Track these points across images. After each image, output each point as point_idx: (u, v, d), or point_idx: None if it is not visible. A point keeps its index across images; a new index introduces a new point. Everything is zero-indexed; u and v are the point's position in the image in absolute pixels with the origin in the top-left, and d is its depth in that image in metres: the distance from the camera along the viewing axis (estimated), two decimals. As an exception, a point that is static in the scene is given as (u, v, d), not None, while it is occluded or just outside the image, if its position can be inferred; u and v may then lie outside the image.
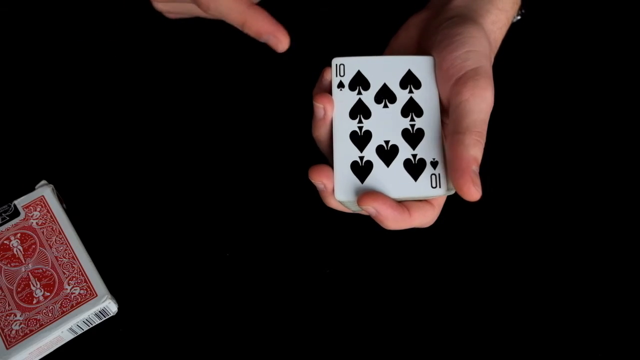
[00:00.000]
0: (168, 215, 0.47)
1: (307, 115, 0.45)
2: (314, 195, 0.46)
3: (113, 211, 0.47)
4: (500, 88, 0.46)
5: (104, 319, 0.43)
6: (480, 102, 0.38)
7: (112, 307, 0.43)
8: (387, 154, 0.38)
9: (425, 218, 0.39)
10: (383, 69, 0.40)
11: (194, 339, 0.43)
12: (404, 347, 0.43)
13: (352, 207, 0.39)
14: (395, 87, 0.39)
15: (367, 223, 0.47)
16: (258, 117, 0.51)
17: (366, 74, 0.40)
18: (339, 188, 0.38)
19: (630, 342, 0.43)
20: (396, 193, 0.37)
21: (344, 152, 0.38)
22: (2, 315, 0.41)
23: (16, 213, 0.44)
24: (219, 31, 0.53)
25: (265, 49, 0.51)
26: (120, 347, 0.43)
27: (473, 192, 0.36)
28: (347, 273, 0.45)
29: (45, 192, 0.45)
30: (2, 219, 0.44)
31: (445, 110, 0.39)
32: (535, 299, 0.44)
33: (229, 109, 0.51)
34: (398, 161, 0.38)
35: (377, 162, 0.38)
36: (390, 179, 0.38)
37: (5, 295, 0.41)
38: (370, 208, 0.37)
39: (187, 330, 0.43)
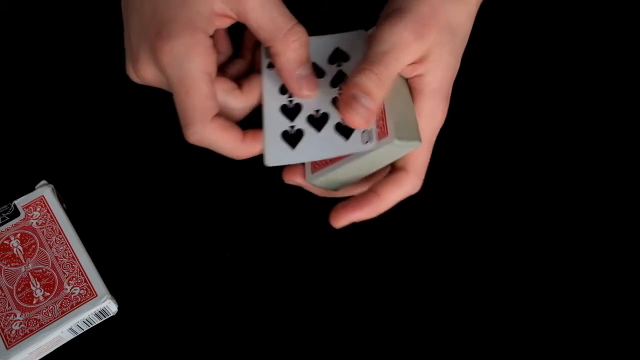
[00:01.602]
0: (168, 216, 0.47)
1: None
2: (314, 195, 0.46)
3: (113, 211, 0.47)
4: (500, 88, 0.46)
5: (104, 319, 0.43)
6: (384, 33, 0.36)
7: (112, 307, 0.43)
8: (318, 121, 0.38)
9: (402, 189, 0.38)
10: (314, 50, 0.39)
11: (194, 339, 0.43)
12: (403, 346, 0.43)
13: (330, 187, 0.39)
14: (324, 64, 0.39)
15: (366, 224, 0.47)
16: (257, 117, 0.51)
17: None
18: (269, 155, 0.38)
19: (631, 342, 0.43)
20: (328, 154, 0.37)
21: (274, 124, 0.38)
22: (2, 315, 0.41)
23: (16, 213, 0.44)
24: None
25: None
26: (120, 347, 0.43)
27: (349, 117, 0.35)
28: (347, 273, 0.45)
29: (45, 192, 0.45)
30: (2, 219, 0.44)
31: None
32: (535, 298, 0.44)
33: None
34: (329, 126, 0.38)
35: (308, 130, 0.38)
36: (323, 142, 0.37)
37: (5, 295, 0.41)
38: (347, 223, 0.37)
39: (187, 330, 0.43)
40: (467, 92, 0.50)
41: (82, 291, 0.42)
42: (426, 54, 0.37)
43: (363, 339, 0.43)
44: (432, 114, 0.38)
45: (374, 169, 0.38)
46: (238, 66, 0.41)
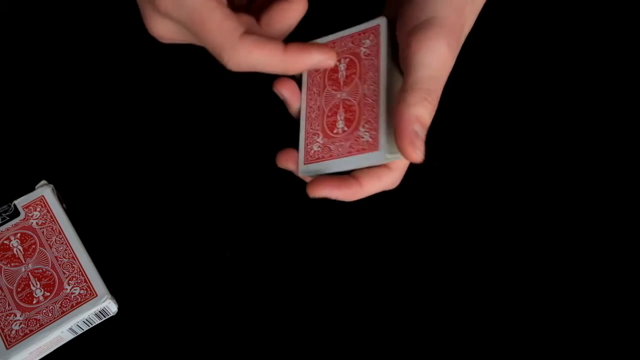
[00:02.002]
0: (168, 215, 0.47)
1: None
2: (312, 198, 0.46)
3: (113, 211, 0.47)
4: (500, 87, 0.46)
5: (104, 319, 0.43)
6: (428, 55, 0.34)
7: (112, 307, 0.43)
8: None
9: (381, 182, 0.37)
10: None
11: (194, 339, 0.43)
12: (403, 346, 0.43)
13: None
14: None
15: (367, 223, 0.47)
16: (257, 117, 0.51)
17: None
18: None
19: (631, 342, 0.43)
20: (340, 165, 0.38)
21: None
22: (2, 315, 0.41)
23: (16, 213, 0.44)
24: None
25: None
26: (120, 347, 0.43)
27: (412, 154, 0.34)
28: (348, 273, 0.45)
29: (45, 192, 0.45)
30: (2, 219, 0.44)
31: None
32: (535, 298, 0.44)
33: (229, 109, 0.51)
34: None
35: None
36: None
37: (5, 295, 0.41)
38: (319, 196, 0.37)
39: (187, 330, 0.43)
40: (465, 91, 0.50)
41: (82, 291, 0.42)
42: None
43: (363, 339, 0.43)
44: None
45: (362, 167, 0.38)
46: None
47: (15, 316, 0.41)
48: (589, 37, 0.53)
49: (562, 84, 0.51)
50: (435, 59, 0.34)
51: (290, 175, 0.48)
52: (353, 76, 0.39)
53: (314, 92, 0.40)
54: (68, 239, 0.43)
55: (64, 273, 0.42)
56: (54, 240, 0.43)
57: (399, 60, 0.37)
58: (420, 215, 0.47)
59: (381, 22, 0.38)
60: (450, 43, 0.35)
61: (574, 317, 0.44)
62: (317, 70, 0.40)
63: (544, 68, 0.52)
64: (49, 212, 0.44)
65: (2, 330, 0.41)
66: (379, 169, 0.38)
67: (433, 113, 0.35)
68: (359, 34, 0.40)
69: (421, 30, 0.35)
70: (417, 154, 0.34)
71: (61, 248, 0.43)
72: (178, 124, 0.51)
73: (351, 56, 0.39)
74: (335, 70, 0.40)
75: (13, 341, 0.40)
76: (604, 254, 0.46)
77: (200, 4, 0.33)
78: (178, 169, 0.49)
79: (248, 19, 0.36)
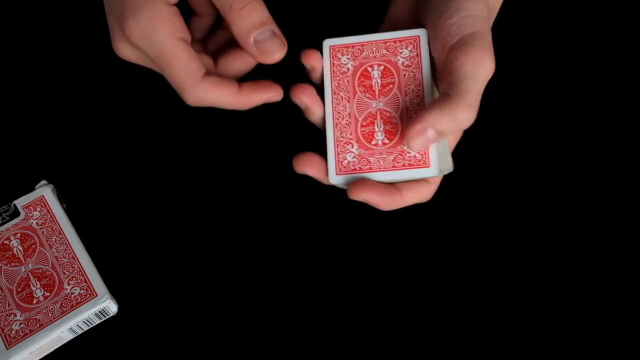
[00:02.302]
0: (168, 215, 0.47)
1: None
2: (314, 195, 0.46)
3: (113, 211, 0.47)
4: (501, 86, 0.45)
5: (104, 319, 0.43)
6: (475, 68, 0.35)
7: (112, 307, 0.43)
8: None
9: (419, 195, 0.38)
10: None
11: (194, 339, 0.43)
12: (403, 346, 0.43)
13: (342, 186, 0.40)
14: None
15: (367, 223, 0.47)
16: (257, 117, 0.51)
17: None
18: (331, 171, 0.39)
19: (631, 342, 0.43)
20: (382, 177, 0.38)
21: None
22: (2, 315, 0.41)
23: (16, 213, 0.44)
24: None
25: None
26: (120, 347, 0.43)
27: (411, 142, 0.36)
28: (347, 272, 0.45)
29: (45, 192, 0.45)
30: (2, 219, 0.44)
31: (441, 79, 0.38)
32: (536, 298, 0.44)
33: (229, 109, 0.51)
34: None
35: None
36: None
37: (5, 295, 0.41)
38: (360, 198, 0.37)
39: (187, 330, 0.43)
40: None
41: (82, 291, 0.42)
42: None
43: (363, 340, 0.43)
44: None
45: (399, 181, 0.39)
46: (223, 33, 0.41)
47: (15, 316, 0.41)
48: (590, 37, 0.53)
49: (562, 85, 0.51)
50: (482, 71, 0.36)
51: (290, 175, 0.48)
52: (391, 86, 0.39)
53: (342, 97, 0.39)
54: (68, 239, 0.43)
55: (64, 273, 0.42)
56: (54, 240, 0.43)
57: (437, 73, 0.38)
58: (421, 214, 0.47)
59: (421, 33, 0.39)
60: (491, 55, 0.36)
61: (580, 321, 0.44)
62: (342, 72, 0.40)
63: (545, 69, 0.52)
64: (49, 212, 0.44)
65: (2, 330, 0.41)
66: (419, 182, 0.38)
67: (460, 128, 0.36)
68: (395, 42, 0.39)
69: (467, 44, 0.36)
70: (413, 147, 0.36)
71: (61, 248, 0.43)
72: (178, 124, 0.51)
73: (386, 64, 0.39)
74: (367, 75, 0.39)
75: (13, 341, 0.40)
76: (607, 254, 0.46)
77: (169, 43, 0.36)
78: (178, 169, 0.49)
79: (207, 60, 0.39)
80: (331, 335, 0.43)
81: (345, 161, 0.38)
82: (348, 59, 0.40)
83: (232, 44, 0.39)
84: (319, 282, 0.45)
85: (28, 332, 0.40)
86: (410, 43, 0.39)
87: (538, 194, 0.47)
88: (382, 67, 0.39)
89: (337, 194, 0.45)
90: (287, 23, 0.39)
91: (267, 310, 0.44)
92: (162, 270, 0.45)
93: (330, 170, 0.38)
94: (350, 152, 0.38)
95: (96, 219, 0.46)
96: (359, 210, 0.46)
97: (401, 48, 0.39)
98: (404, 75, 0.39)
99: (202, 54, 0.39)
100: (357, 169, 0.38)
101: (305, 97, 0.38)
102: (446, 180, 0.47)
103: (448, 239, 0.46)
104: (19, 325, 0.41)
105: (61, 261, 0.43)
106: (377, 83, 0.39)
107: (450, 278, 0.45)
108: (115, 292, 0.43)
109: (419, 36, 0.39)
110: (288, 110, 0.51)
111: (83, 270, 0.42)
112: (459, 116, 0.35)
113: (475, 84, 0.35)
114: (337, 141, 0.39)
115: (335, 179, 0.38)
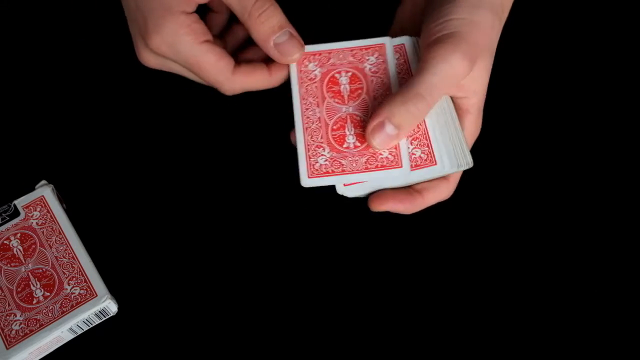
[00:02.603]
0: (168, 215, 0.47)
1: None
2: (313, 195, 0.46)
3: (113, 211, 0.47)
4: (502, 86, 0.46)
5: (104, 319, 0.43)
6: (439, 63, 0.36)
7: (112, 307, 0.43)
8: None
9: (440, 194, 0.40)
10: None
11: (194, 339, 0.43)
12: (404, 346, 0.43)
13: (360, 195, 0.41)
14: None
15: (367, 222, 0.46)
16: (258, 117, 0.51)
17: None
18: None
19: (631, 342, 0.43)
20: (355, 179, 0.38)
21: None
22: (2, 315, 0.41)
23: (16, 213, 0.44)
24: None
25: None
26: (120, 347, 0.43)
27: (370, 141, 0.37)
28: (347, 272, 0.45)
29: (45, 192, 0.45)
30: (2, 219, 0.44)
31: None
32: (536, 298, 0.44)
33: (229, 109, 0.51)
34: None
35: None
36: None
37: (5, 296, 0.41)
38: (382, 210, 0.38)
39: (187, 330, 0.43)
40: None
41: (82, 291, 0.42)
42: (469, 76, 0.37)
43: (364, 341, 0.43)
44: (476, 130, 0.40)
45: (420, 181, 0.40)
46: (238, 32, 0.43)
47: (15, 316, 0.41)
48: (590, 37, 0.53)
49: (563, 85, 0.51)
50: (446, 69, 0.36)
51: (288, 175, 0.48)
52: (360, 91, 0.40)
53: (311, 102, 0.40)
54: (68, 239, 0.43)
55: (64, 273, 0.42)
56: (54, 240, 0.43)
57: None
58: (421, 214, 0.47)
59: (386, 41, 0.40)
60: (469, 58, 0.36)
61: (581, 321, 0.44)
62: (310, 79, 0.40)
63: (546, 70, 0.52)
64: (49, 212, 0.44)
65: (2, 330, 0.41)
66: (439, 181, 0.40)
67: (414, 121, 0.36)
68: (361, 49, 0.40)
69: (438, 42, 0.36)
70: (375, 145, 0.37)
71: (61, 248, 0.43)
72: (178, 124, 0.51)
73: (353, 70, 0.40)
74: (334, 82, 0.40)
75: (13, 341, 0.40)
76: (609, 255, 0.46)
77: (195, 49, 0.38)
78: (178, 169, 0.49)
79: (230, 59, 0.40)
80: (331, 336, 0.43)
81: (317, 164, 0.39)
82: (315, 65, 0.40)
83: (250, 40, 0.40)
84: (320, 283, 0.45)
85: (28, 332, 0.40)
86: (376, 50, 0.40)
87: (539, 194, 0.47)
88: (350, 74, 0.40)
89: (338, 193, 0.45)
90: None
91: (267, 310, 0.44)
92: (162, 270, 0.45)
93: (302, 174, 0.39)
94: (322, 155, 0.39)
95: (96, 219, 0.46)
96: (359, 210, 0.46)
97: (367, 55, 0.40)
98: (372, 80, 0.40)
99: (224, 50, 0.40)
100: (330, 171, 0.38)
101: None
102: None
103: (449, 239, 0.46)
104: (19, 325, 0.41)
105: (61, 261, 0.43)
106: (346, 89, 0.40)
107: (452, 278, 0.45)
108: (115, 292, 0.43)
109: (384, 44, 0.40)
110: (288, 108, 0.51)
111: (83, 270, 0.42)
112: (410, 107, 0.36)
113: (432, 78, 0.36)
114: (308, 145, 0.39)
115: (307, 182, 0.39)
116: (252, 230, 0.47)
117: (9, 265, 0.43)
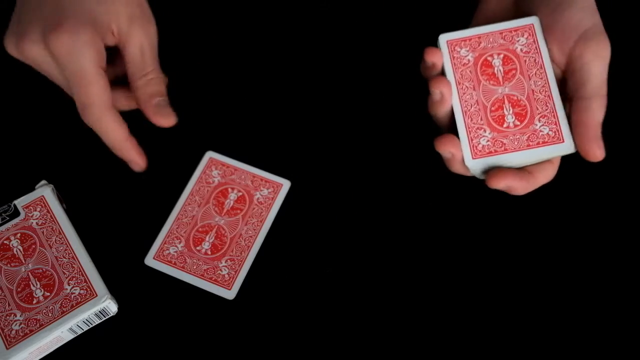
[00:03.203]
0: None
1: (305, 114, 0.44)
2: (313, 194, 0.46)
3: (113, 211, 0.47)
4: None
5: (104, 319, 0.43)
6: (601, 63, 0.38)
7: (112, 307, 0.43)
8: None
9: (548, 175, 0.41)
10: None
11: (193, 339, 0.43)
12: (405, 347, 0.43)
13: (476, 174, 0.42)
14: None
15: (367, 222, 0.47)
16: (258, 117, 0.51)
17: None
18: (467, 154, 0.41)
19: (631, 342, 0.43)
20: (518, 157, 0.40)
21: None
22: (2, 316, 0.41)
23: (16, 213, 0.44)
24: (221, 35, 0.53)
25: (267, 47, 0.51)
26: (120, 347, 0.43)
27: (599, 154, 0.39)
28: (347, 272, 0.45)
29: (45, 192, 0.45)
30: (2, 219, 0.44)
31: (560, 70, 0.41)
32: (538, 299, 0.44)
33: (229, 109, 0.51)
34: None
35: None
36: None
37: (5, 296, 0.41)
38: (501, 186, 0.39)
39: (187, 330, 0.43)
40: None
41: (82, 291, 0.42)
42: None
43: (363, 339, 0.43)
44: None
45: (531, 163, 0.41)
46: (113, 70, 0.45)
47: (15, 316, 0.41)
48: None
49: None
50: (605, 65, 0.39)
51: (291, 175, 0.48)
52: (514, 71, 0.41)
53: (467, 87, 0.41)
54: (68, 239, 0.43)
55: (64, 273, 0.42)
56: (54, 240, 0.43)
57: (566, 65, 0.40)
58: (421, 215, 0.47)
59: (534, 21, 0.41)
60: (609, 44, 0.39)
61: (581, 321, 0.44)
62: (463, 64, 0.41)
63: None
64: (49, 212, 0.44)
65: (2, 330, 0.41)
66: (546, 163, 0.41)
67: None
68: (510, 31, 0.42)
69: (590, 40, 0.39)
70: (602, 154, 0.39)
71: (61, 248, 0.43)
72: (177, 125, 0.50)
73: (506, 52, 0.41)
74: (488, 65, 0.41)
75: (13, 341, 0.40)
76: (611, 255, 0.46)
77: (93, 70, 0.40)
78: (178, 169, 0.49)
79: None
80: (331, 336, 0.43)
81: (480, 145, 0.40)
82: (467, 51, 0.42)
83: (121, 83, 0.44)
84: (319, 282, 0.45)
85: (28, 332, 0.40)
86: (526, 31, 0.41)
87: (539, 194, 0.47)
88: (502, 56, 0.41)
89: (341, 193, 0.45)
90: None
91: (268, 310, 0.44)
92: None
93: (465, 155, 0.40)
94: (484, 136, 0.40)
95: (96, 219, 0.46)
96: (359, 211, 0.46)
97: (517, 36, 0.41)
98: (525, 60, 0.41)
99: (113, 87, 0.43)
100: (492, 151, 0.40)
101: (445, 89, 0.41)
102: (454, 180, 0.47)
103: (451, 239, 0.46)
104: (19, 325, 0.41)
105: (61, 261, 0.43)
106: (500, 70, 0.41)
107: (454, 279, 0.45)
108: (115, 292, 0.43)
109: (533, 24, 0.41)
110: (288, 108, 0.51)
111: (83, 270, 0.42)
112: (604, 108, 0.39)
113: (601, 78, 0.39)
114: (469, 127, 0.41)
115: (471, 163, 0.40)
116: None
117: (9, 265, 0.43)
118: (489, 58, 0.41)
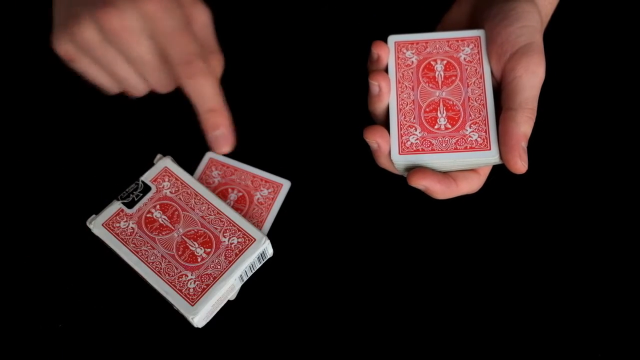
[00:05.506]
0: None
1: (305, 114, 0.48)
2: (313, 194, 0.47)
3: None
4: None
5: (263, 261, 0.45)
6: (532, 79, 0.39)
7: (269, 249, 0.45)
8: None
9: (471, 185, 0.41)
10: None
11: (193, 339, 0.44)
12: (405, 347, 0.43)
13: (400, 170, 0.43)
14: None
15: (367, 222, 0.47)
16: (258, 118, 0.51)
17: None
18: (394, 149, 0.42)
19: (631, 342, 0.43)
20: (443, 158, 0.40)
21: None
22: (175, 279, 0.42)
23: (147, 188, 0.45)
24: (221, 35, 0.50)
25: (268, 48, 0.52)
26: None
27: (519, 166, 0.39)
28: (347, 272, 0.46)
29: (166, 162, 0.46)
30: (137, 197, 0.45)
31: (497, 82, 0.42)
32: (538, 299, 0.44)
33: (229, 109, 0.45)
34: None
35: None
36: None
37: (170, 262, 0.43)
38: (420, 185, 0.40)
39: (186, 330, 0.44)
40: None
41: (240, 239, 0.44)
42: None
43: (364, 339, 0.43)
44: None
45: (455, 170, 0.42)
46: None
47: (187, 276, 0.42)
48: (590, 37, 0.54)
49: (563, 85, 0.51)
50: (537, 81, 0.40)
51: (291, 175, 0.48)
52: (453, 78, 0.42)
53: (406, 86, 0.43)
54: (206, 198, 0.45)
55: (216, 228, 0.44)
56: (193, 202, 0.45)
57: (501, 77, 0.42)
58: (422, 215, 0.47)
59: (481, 34, 0.43)
60: (544, 64, 0.40)
61: (582, 321, 0.44)
62: (407, 65, 0.43)
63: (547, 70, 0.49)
64: (177, 180, 0.45)
65: (181, 291, 0.42)
66: (471, 173, 0.42)
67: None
68: (457, 41, 0.43)
69: (525, 55, 0.40)
70: (524, 166, 0.39)
71: (203, 207, 0.45)
72: (177, 124, 0.50)
73: (449, 59, 0.43)
74: (430, 68, 0.43)
75: (195, 298, 0.42)
76: (612, 255, 0.46)
77: None
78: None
79: None
80: (331, 337, 0.44)
81: (409, 142, 0.41)
82: (412, 53, 0.44)
83: None
84: (321, 284, 0.45)
85: (205, 286, 0.42)
86: (472, 42, 0.43)
87: (539, 194, 0.48)
88: (445, 62, 0.43)
89: (341, 192, 0.47)
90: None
91: (269, 310, 0.44)
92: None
93: (393, 149, 0.41)
94: (414, 134, 0.41)
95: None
96: (359, 211, 0.47)
97: (463, 46, 0.43)
98: (466, 69, 0.43)
99: None
100: (420, 149, 0.41)
101: (383, 83, 0.42)
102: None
103: (448, 240, 0.46)
104: (194, 283, 0.42)
105: (208, 219, 0.44)
106: (440, 75, 0.43)
107: (454, 279, 0.45)
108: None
109: (479, 37, 0.43)
110: (288, 109, 0.51)
111: (233, 221, 0.44)
112: (531, 122, 0.40)
113: (533, 91, 0.40)
114: (401, 124, 0.42)
115: (397, 158, 0.41)
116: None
117: (160, 234, 0.44)
118: (432, 62, 0.43)
